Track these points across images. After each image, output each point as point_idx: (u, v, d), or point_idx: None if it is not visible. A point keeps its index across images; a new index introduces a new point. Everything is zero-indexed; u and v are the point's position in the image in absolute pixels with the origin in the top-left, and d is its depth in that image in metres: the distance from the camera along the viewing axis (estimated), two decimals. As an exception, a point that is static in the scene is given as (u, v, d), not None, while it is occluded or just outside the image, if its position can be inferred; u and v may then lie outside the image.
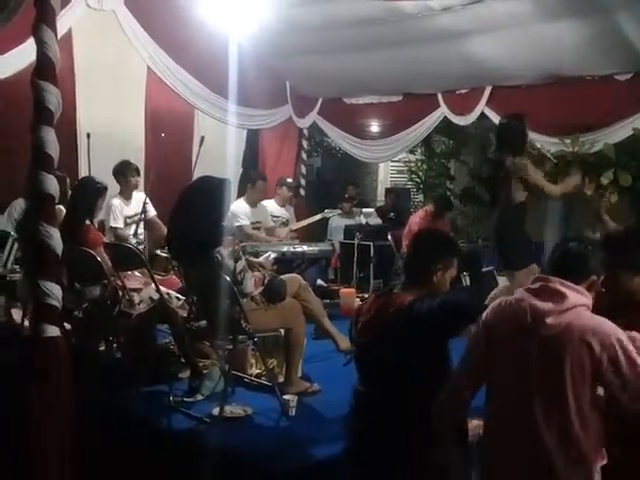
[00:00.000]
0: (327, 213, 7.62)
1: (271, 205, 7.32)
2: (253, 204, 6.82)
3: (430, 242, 2.89)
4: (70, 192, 5.14)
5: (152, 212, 5.96)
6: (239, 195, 7.10)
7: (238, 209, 6.65)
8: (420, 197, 9.98)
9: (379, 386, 2.73)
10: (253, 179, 7.00)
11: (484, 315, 2.48)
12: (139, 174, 6.18)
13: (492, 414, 2.46)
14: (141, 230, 5.72)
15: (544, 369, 2.28)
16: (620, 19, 5.10)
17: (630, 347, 2.23)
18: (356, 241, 6.77)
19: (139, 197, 6.02)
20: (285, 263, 6.14)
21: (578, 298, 2.30)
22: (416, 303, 2.62)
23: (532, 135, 6.62)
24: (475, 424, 2.84)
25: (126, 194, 6.11)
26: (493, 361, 2.42)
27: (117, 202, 6.02)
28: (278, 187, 7.47)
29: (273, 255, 5.06)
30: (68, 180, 5.42)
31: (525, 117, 5.46)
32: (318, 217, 7.57)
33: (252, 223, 6.77)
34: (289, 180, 7.70)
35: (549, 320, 2.26)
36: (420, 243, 2.91)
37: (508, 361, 2.37)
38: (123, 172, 6.07)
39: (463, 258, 6.13)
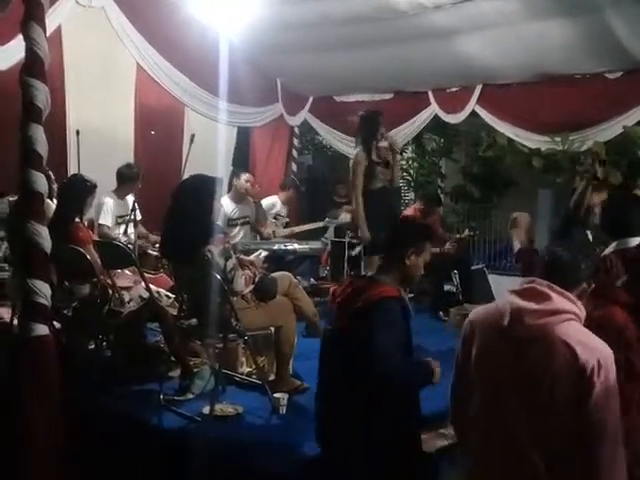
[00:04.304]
0: (328, 222, 7.63)
1: (278, 204, 7.55)
2: (238, 200, 6.79)
3: (403, 227, 3.10)
4: (58, 189, 5.11)
5: (138, 216, 5.90)
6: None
7: None
8: (411, 195, 9.99)
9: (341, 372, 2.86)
10: (236, 175, 6.99)
11: (468, 320, 2.40)
12: (139, 181, 6.11)
13: (472, 418, 2.36)
14: (131, 230, 5.68)
15: (521, 377, 2.16)
16: (609, 17, 5.11)
17: (614, 379, 2.08)
18: (347, 239, 6.77)
19: (132, 199, 5.99)
20: (276, 261, 6.15)
21: (565, 303, 2.17)
22: (382, 307, 2.71)
23: (522, 133, 6.66)
24: None
25: (121, 195, 6.09)
26: (473, 366, 2.33)
27: (109, 200, 5.99)
28: (286, 189, 7.64)
29: (264, 253, 5.05)
30: (52, 175, 5.37)
31: (380, 114, 5.59)
32: (321, 224, 7.61)
33: (237, 218, 6.76)
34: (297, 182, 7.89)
35: (527, 319, 2.15)
36: (394, 228, 3.09)
37: (487, 366, 2.27)
38: (126, 175, 6.07)
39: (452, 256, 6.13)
